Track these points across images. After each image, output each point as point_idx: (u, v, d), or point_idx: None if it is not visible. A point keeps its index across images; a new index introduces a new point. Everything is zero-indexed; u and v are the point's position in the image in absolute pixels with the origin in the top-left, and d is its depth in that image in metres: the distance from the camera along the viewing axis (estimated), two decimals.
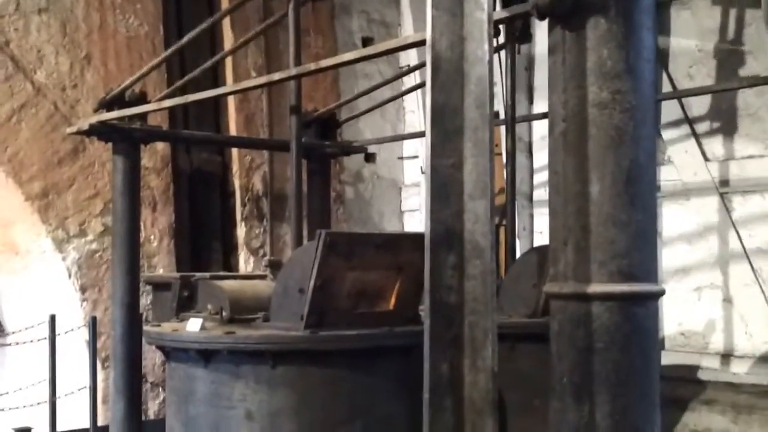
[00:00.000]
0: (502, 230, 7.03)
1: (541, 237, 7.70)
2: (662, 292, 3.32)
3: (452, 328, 2.85)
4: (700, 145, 6.76)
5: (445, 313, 2.85)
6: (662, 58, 6.87)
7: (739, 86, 6.22)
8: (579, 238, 3.07)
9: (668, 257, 6.84)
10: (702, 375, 6.42)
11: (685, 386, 6.30)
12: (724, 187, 6.60)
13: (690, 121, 6.80)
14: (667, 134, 6.90)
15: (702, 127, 6.79)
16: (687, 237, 6.84)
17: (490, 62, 3.03)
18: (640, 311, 3.23)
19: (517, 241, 7.25)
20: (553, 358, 3.34)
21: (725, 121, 6.65)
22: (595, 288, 3.15)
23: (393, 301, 4.70)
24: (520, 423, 5.28)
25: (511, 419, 5.24)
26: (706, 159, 6.72)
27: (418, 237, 3.89)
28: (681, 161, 6.84)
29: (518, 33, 6.87)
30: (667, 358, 6.44)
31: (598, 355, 3.19)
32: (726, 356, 6.47)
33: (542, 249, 5.70)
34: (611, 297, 3.16)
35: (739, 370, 6.36)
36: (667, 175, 6.83)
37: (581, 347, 3.22)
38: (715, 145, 6.72)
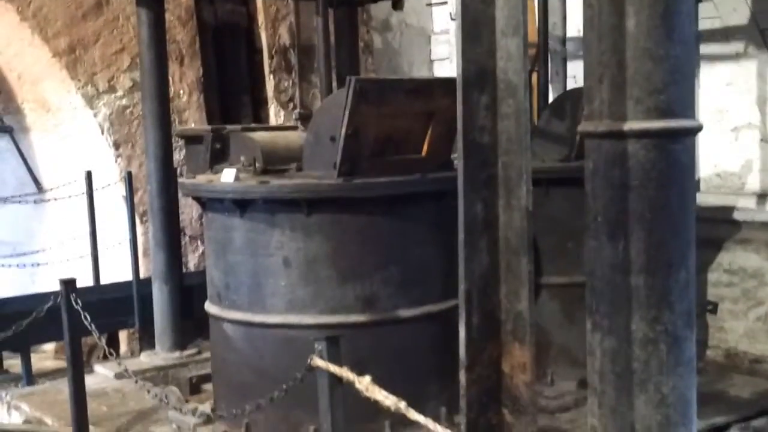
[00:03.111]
0: (534, 75, 6.90)
1: (574, 82, 7.56)
2: (699, 128, 3.25)
3: (486, 169, 2.84)
4: None
5: (479, 153, 2.83)
6: None
7: None
8: (614, 75, 3.00)
9: (705, 97, 6.70)
10: (737, 215, 6.39)
11: (720, 227, 6.29)
12: (764, 23, 6.38)
13: None
14: None
15: None
16: (724, 76, 6.67)
17: None
18: (676, 147, 3.18)
19: (550, 86, 7.13)
20: (587, 197, 3.33)
21: None
22: (631, 125, 3.10)
23: (425, 147, 4.68)
24: (553, 266, 5.34)
25: (544, 262, 5.29)
26: None
27: (449, 81, 3.83)
28: None
29: None
30: (702, 200, 6.41)
31: (633, 192, 3.17)
32: (762, 196, 6.42)
33: (576, 92, 5.61)
34: (647, 134, 3.11)
35: None
36: (704, 13, 6.60)
37: (616, 185, 3.19)
38: None
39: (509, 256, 2.87)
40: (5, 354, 6.67)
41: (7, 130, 8.08)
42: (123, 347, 7.17)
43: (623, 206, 3.19)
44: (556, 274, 5.34)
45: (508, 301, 2.88)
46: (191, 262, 7.78)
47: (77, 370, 4.78)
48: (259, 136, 5.02)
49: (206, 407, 5.02)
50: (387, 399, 2.83)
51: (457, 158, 2.93)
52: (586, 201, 3.34)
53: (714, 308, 6.16)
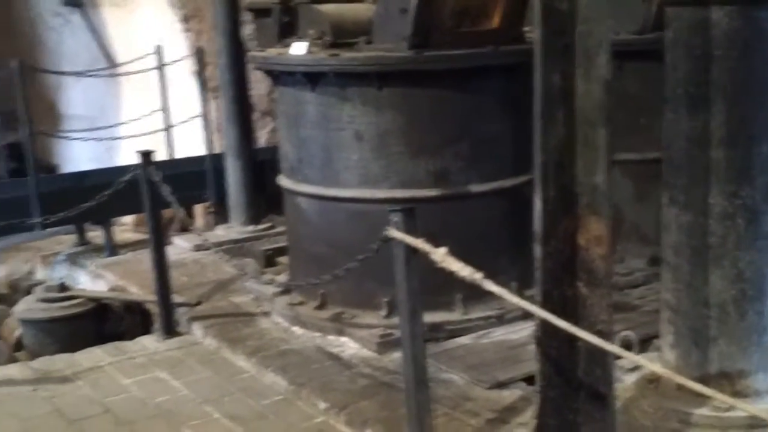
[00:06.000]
0: None
1: None
2: None
3: (564, 37, 2.75)
4: None
5: (557, 21, 2.74)
6: None
7: None
8: None
9: None
10: None
11: None
12: None
13: None
14: None
15: None
16: None
17: None
18: (761, 15, 3.07)
19: None
20: (667, 68, 3.25)
21: None
22: None
23: (497, 19, 4.58)
24: (626, 142, 5.24)
25: (617, 138, 5.18)
26: None
27: None
28: None
29: None
30: None
31: (715, 63, 3.08)
32: None
33: None
34: (732, 0, 3.00)
35: None
36: None
37: (698, 55, 3.11)
38: None
39: (586, 128, 2.82)
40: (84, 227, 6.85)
41: (79, 5, 8.11)
42: (198, 221, 7.32)
43: (704, 77, 3.11)
44: (629, 150, 5.25)
45: (584, 174, 2.85)
46: (262, 138, 7.83)
47: (158, 238, 4.93)
48: (328, 8, 4.96)
49: (283, 278, 5.16)
50: (462, 270, 2.86)
51: (534, 27, 2.86)
52: (665, 72, 3.26)
53: None
